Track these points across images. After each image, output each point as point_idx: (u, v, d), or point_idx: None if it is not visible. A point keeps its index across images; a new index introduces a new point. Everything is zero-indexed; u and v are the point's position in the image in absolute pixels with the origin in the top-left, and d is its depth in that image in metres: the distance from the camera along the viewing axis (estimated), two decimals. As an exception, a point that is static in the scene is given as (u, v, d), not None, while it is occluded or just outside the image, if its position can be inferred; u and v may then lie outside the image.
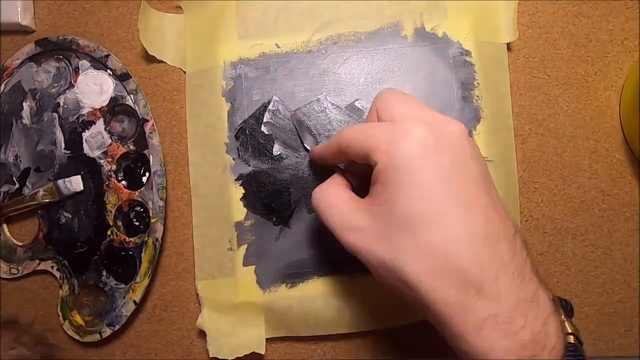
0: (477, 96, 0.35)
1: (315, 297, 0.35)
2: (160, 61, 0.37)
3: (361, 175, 0.29)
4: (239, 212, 0.35)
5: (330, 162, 0.30)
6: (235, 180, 0.35)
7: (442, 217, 0.23)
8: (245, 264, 0.35)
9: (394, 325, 0.35)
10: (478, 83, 0.35)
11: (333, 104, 0.35)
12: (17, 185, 0.36)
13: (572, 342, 0.22)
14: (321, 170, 0.35)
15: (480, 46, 0.36)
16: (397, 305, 0.35)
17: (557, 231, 0.37)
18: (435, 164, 0.23)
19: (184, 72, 0.37)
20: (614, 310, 0.37)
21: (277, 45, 0.36)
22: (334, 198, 0.27)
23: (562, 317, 0.24)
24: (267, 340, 0.35)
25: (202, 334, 0.35)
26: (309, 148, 0.35)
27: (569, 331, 0.23)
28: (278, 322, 0.35)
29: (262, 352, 0.35)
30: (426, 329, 0.35)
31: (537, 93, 0.37)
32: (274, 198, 0.35)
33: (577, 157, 0.37)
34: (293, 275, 0.35)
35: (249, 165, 0.35)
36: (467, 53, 0.35)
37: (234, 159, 0.35)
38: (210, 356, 0.34)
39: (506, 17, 0.36)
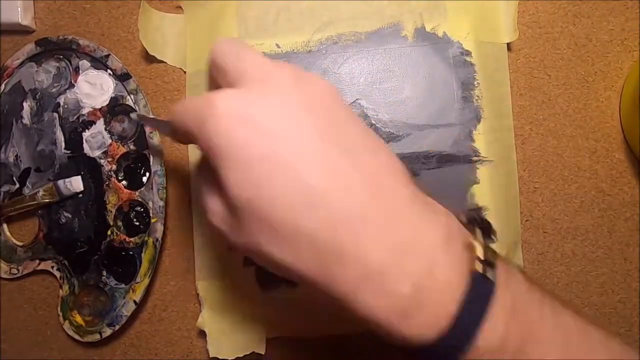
0: (478, 96, 0.36)
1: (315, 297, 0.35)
2: (161, 61, 0.37)
3: None
4: None
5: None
6: None
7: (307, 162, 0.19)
8: (245, 264, 0.35)
9: None
10: (478, 83, 0.36)
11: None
12: (17, 185, 0.36)
13: (478, 270, 0.19)
14: None
15: (481, 46, 0.36)
16: None
17: (557, 231, 0.37)
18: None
19: (184, 72, 0.37)
20: (614, 310, 0.37)
21: (277, 45, 0.36)
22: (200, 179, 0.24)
23: (471, 239, 0.21)
24: (267, 340, 0.35)
25: (202, 334, 0.36)
26: None
27: (478, 255, 0.20)
28: (278, 322, 0.35)
29: (262, 352, 0.35)
30: None
31: (537, 93, 0.37)
32: None
33: (577, 157, 0.37)
34: None
35: None
36: (467, 53, 0.36)
37: None
38: (210, 356, 0.35)
39: (506, 17, 0.36)
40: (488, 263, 0.20)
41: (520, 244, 0.36)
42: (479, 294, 0.19)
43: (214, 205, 0.22)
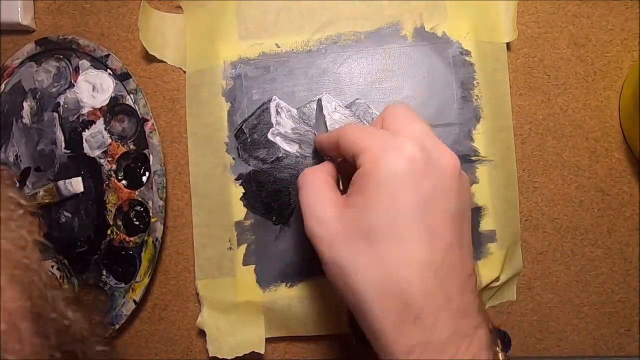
0: (477, 96, 0.36)
1: (315, 297, 0.35)
2: (160, 61, 0.37)
3: (349, 174, 0.29)
4: (239, 211, 0.36)
5: (326, 152, 0.30)
6: (235, 179, 0.36)
7: (404, 240, 0.23)
8: (245, 264, 0.35)
9: None
10: (477, 82, 0.36)
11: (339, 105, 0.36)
12: (17, 185, 0.36)
13: None
14: None
15: (480, 46, 0.36)
16: None
17: (557, 231, 0.37)
18: (416, 187, 0.23)
19: (184, 72, 0.37)
20: (613, 309, 0.37)
21: (277, 44, 0.36)
22: (316, 183, 0.27)
23: (498, 349, 0.26)
24: (267, 339, 0.36)
25: (202, 333, 0.36)
26: (316, 134, 0.35)
27: None
28: (278, 322, 0.36)
29: (262, 351, 0.35)
30: None
31: (536, 93, 0.37)
32: (273, 197, 0.36)
33: (577, 157, 0.37)
34: (293, 275, 0.36)
35: (249, 165, 0.36)
36: (467, 53, 0.36)
37: (233, 159, 0.36)
38: (210, 355, 0.35)
39: (506, 17, 0.37)
40: None
41: (519, 243, 0.37)
42: None
43: (330, 211, 0.25)
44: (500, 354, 0.25)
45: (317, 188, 0.27)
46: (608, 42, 0.38)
